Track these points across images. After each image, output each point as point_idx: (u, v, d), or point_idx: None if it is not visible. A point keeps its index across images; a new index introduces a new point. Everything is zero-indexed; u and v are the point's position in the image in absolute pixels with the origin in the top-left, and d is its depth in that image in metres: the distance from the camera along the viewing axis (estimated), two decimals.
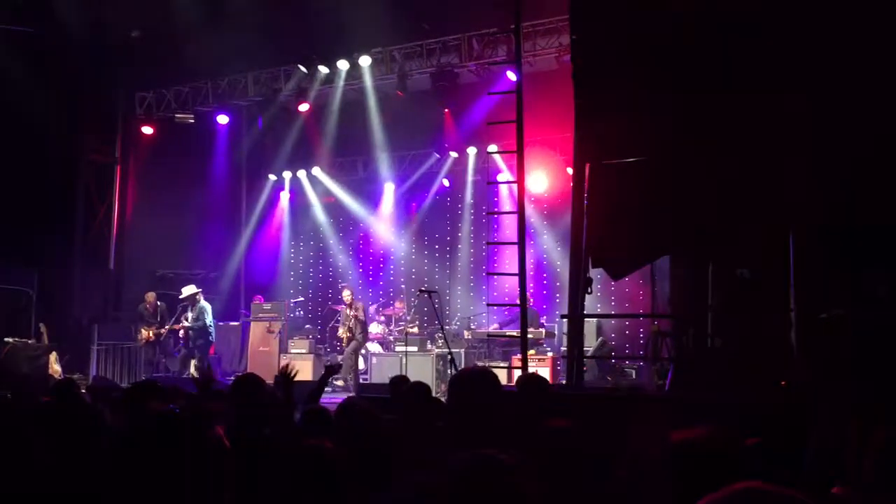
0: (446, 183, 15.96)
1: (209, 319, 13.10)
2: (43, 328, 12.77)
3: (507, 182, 12.95)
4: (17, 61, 12.14)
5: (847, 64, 5.81)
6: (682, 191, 6.62)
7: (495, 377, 3.37)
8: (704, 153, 6.48)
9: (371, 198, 17.09)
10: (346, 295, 13.68)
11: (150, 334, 13.12)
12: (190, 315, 12.94)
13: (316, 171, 16.41)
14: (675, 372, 7.61)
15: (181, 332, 13.00)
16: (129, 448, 3.64)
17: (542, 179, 14.24)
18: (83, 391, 6.60)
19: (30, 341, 12.68)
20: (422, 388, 4.48)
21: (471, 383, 3.15)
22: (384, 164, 16.34)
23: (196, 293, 13.07)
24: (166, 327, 12.90)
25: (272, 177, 16.73)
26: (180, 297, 13.17)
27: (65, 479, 3.41)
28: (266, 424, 4.02)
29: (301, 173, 16.54)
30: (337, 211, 17.31)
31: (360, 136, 15.49)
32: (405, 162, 16.43)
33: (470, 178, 15.70)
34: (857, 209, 5.98)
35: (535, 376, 4.61)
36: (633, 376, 12.78)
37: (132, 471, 3.34)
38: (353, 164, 16.98)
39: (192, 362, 12.84)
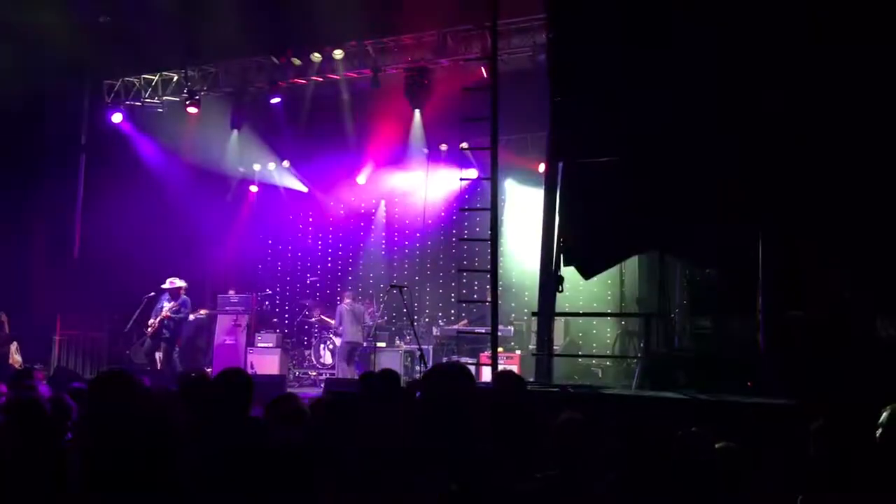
0: (421, 178, 15.88)
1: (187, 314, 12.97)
2: (3, 317, 12.52)
3: (483, 177, 12.93)
4: None
5: (827, 63, 5.89)
6: (654, 191, 6.69)
7: (470, 373, 3.38)
8: (677, 154, 6.54)
9: (343, 192, 17.01)
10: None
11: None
12: (167, 305, 12.65)
13: (286, 164, 16.28)
14: (642, 372, 7.69)
15: (152, 324, 12.69)
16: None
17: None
18: (44, 382, 6.47)
19: None
20: (392, 375, 4.48)
21: (447, 377, 3.15)
22: (356, 158, 16.27)
23: (182, 286, 12.82)
24: (154, 320, 12.61)
25: (242, 168, 16.56)
26: (164, 287, 12.87)
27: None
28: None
29: (271, 166, 16.40)
30: (307, 205, 17.21)
31: (332, 130, 15.39)
32: (377, 157, 16.37)
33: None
34: (825, 212, 6.08)
35: (512, 373, 4.61)
36: (600, 375, 12.88)
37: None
38: (325, 157, 16.87)
39: (157, 354, 12.66)
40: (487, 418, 3.82)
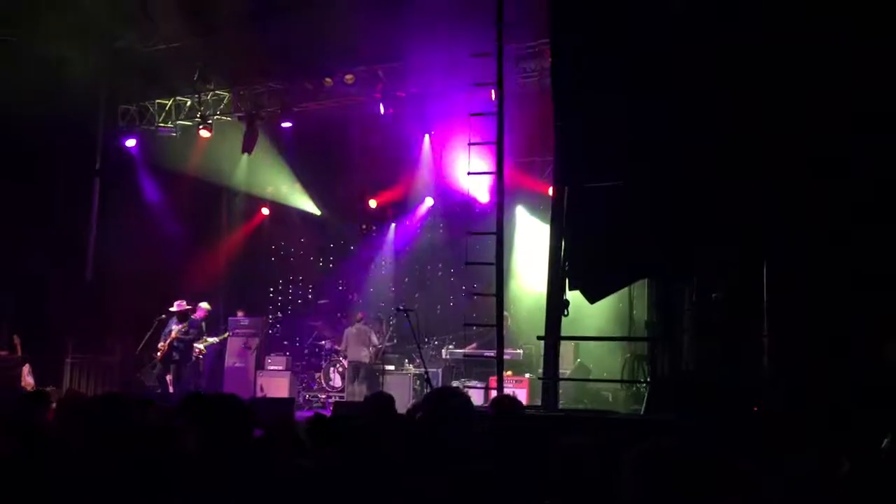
0: (429, 202, 15.96)
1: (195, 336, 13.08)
2: (16, 339, 12.62)
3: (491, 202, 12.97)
4: None
5: (840, 80, 5.88)
6: (659, 215, 6.69)
7: (467, 397, 3.39)
8: (681, 177, 6.55)
9: (354, 215, 17.11)
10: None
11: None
12: (175, 328, 12.73)
13: (296, 187, 16.39)
14: (650, 396, 7.65)
15: (161, 347, 12.77)
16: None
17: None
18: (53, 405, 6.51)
19: (2, 352, 12.53)
20: (384, 398, 4.49)
21: (444, 401, 3.17)
22: (366, 183, 16.39)
23: (190, 309, 12.93)
24: (165, 342, 12.69)
25: (253, 191, 16.66)
26: (172, 309, 12.96)
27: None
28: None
29: (283, 189, 16.50)
30: (318, 227, 17.30)
31: (343, 153, 15.51)
32: (386, 181, 16.47)
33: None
34: (832, 235, 6.05)
35: (509, 398, 4.63)
36: (609, 399, 12.81)
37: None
38: (333, 182, 16.99)
39: (168, 377, 12.72)
40: (485, 441, 3.83)
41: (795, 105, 6.12)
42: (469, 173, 8.67)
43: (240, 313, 14.78)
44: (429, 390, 10.28)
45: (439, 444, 3.03)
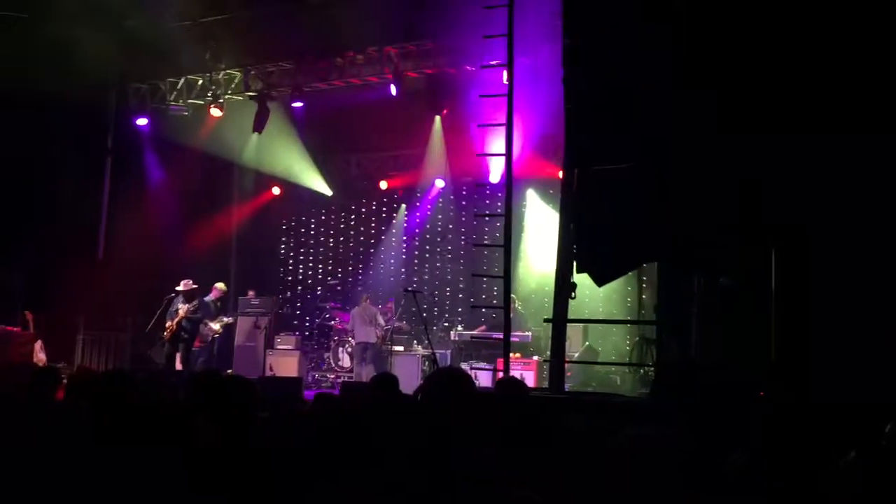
0: (440, 184, 15.96)
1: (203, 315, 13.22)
2: (28, 316, 12.72)
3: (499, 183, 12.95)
4: (6, 47, 12.06)
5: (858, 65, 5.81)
6: (668, 198, 6.66)
7: (469, 378, 3.39)
8: (692, 161, 6.51)
9: (362, 197, 17.14)
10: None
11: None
12: (182, 307, 12.81)
13: (307, 167, 16.40)
14: (658, 378, 7.66)
15: (169, 326, 12.85)
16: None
17: None
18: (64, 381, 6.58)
19: (14, 328, 12.64)
20: (389, 379, 4.52)
21: (443, 383, 3.17)
22: (376, 164, 16.41)
23: (196, 287, 13.01)
24: (173, 321, 12.75)
25: (263, 171, 16.66)
26: (178, 288, 13.05)
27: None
28: None
29: (293, 169, 16.50)
30: (328, 208, 17.33)
31: (353, 134, 15.51)
32: (398, 162, 16.49)
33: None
34: (842, 221, 6.01)
35: (514, 380, 4.63)
36: (617, 382, 12.83)
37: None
38: (345, 161, 17.00)
39: (176, 356, 12.81)
40: (488, 423, 3.84)
41: (811, 95, 6.05)
42: (478, 154, 8.68)
43: (250, 293, 14.84)
44: None
45: (438, 425, 3.04)
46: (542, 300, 14.20)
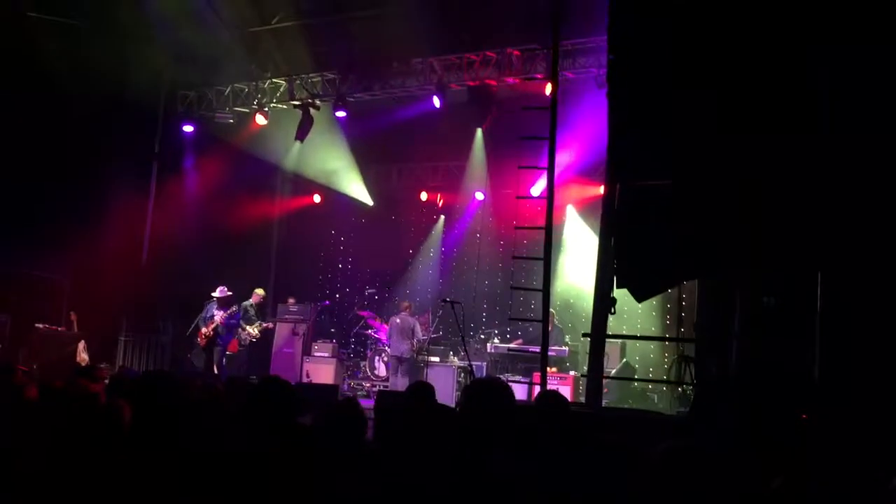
0: (480, 196, 15.99)
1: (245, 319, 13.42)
2: (73, 316, 12.98)
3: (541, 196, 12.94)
4: (58, 53, 12.36)
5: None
6: (711, 215, 6.59)
7: (509, 389, 3.39)
8: (734, 179, 6.44)
9: (402, 207, 17.22)
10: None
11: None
12: (218, 314, 13.01)
13: (349, 176, 16.53)
14: (697, 397, 7.55)
15: (206, 333, 13.04)
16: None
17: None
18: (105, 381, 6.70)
19: (59, 328, 12.90)
20: (426, 388, 4.52)
21: (483, 392, 3.17)
22: (417, 174, 16.49)
23: (230, 294, 13.26)
24: (209, 327, 12.95)
25: (304, 179, 16.81)
26: (215, 295, 13.26)
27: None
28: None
29: (334, 177, 16.63)
30: (368, 217, 17.44)
31: (395, 145, 15.61)
32: (438, 173, 16.55)
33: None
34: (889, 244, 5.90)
35: (554, 393, 4.60)
36: (655, 400, 12.69)
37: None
38: (387, 172, 17.11)
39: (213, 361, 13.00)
40: (528, 435, 3.83)
41: (860, 106, 5.96)
42: (520, 167, 8.66)
43: (290, 300, 14.98)
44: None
45: (478, 436, 3.04)
46: (580, 315, 14.12)
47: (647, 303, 11.41)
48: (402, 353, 13.34)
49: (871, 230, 5.69)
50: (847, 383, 5.77)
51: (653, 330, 13.99)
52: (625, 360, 13.15)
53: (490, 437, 3.03)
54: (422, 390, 4.44)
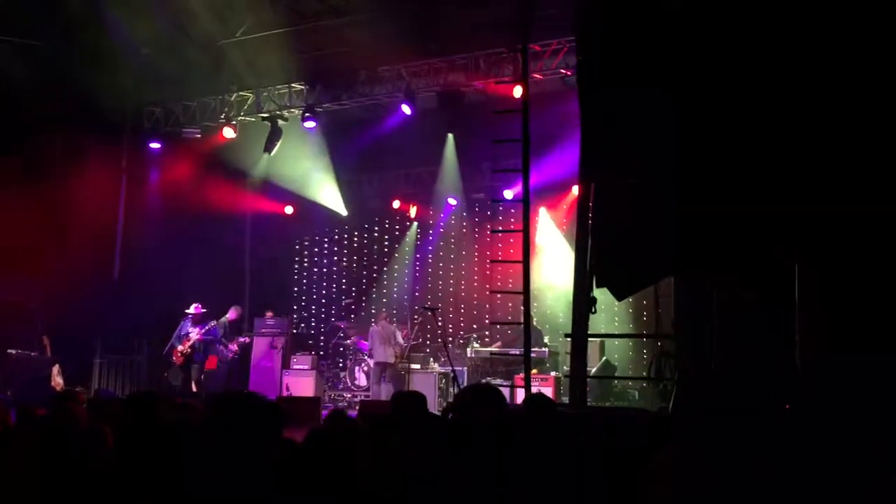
0: (453, 202, 16.01)
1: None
2: (46, 340, 12.76)
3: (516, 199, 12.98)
4: (23, 72, 12.18)
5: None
6: (688, 212, 6.62)
7: (500, 393, 3.38)
8: (710, 175, 6.48)
9: (375, 215, 17.18)
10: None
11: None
12: (193, 331, 12.97)
13: (320, 186, 16.45)
14: (678, 394, 7.59)
15: (183, 351, 12.98)
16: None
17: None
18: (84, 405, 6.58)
19: (32, 353, 12.68)
20: (419, 398, 4.48)
21: (477, 399, 3.16)
22: (389, 183, 16.46)
23: (204, 311, 13.19)
24: (185, 345, 12.88)
25: (276, 190, 16.70)
26: (189, 312, 13.18)
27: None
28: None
29: (305, 189, 16.54)
30: (342, 227, 17.37)
31: (366, 153, 15.56)
32: (411, 179, 16.53)
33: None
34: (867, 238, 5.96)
35: (542, 396, 4.60)
36: (636, 397, 12.76)
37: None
38: (358, 181, 17.05)
39: (191, 378, 12.89)
40: (517, 439, 3.82)
41: (826, 106, 6.01)
42: (494, 170, 8.70)
43: (268, 314, 14.87)
44: (455, 389, 10.31)
45: (475, 444, 3.02)
46: (557, 316, 14.18)
47: (623, 300, 11.49)
48: (386, 357, 13.31)
49: (848, 219, 5.75)
50: (828, 375, 5.82)
51: (630, 327, 14.08)
52: (604, 358, 13.21)
53: (488, 443, 3.01)
54: (412, 401, 4.39)
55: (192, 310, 13.09)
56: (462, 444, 3.17)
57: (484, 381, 12.37)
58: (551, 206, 15.18)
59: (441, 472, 3.16)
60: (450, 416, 3.40)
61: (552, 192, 14.48)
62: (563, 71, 11.92)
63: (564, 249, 14.52)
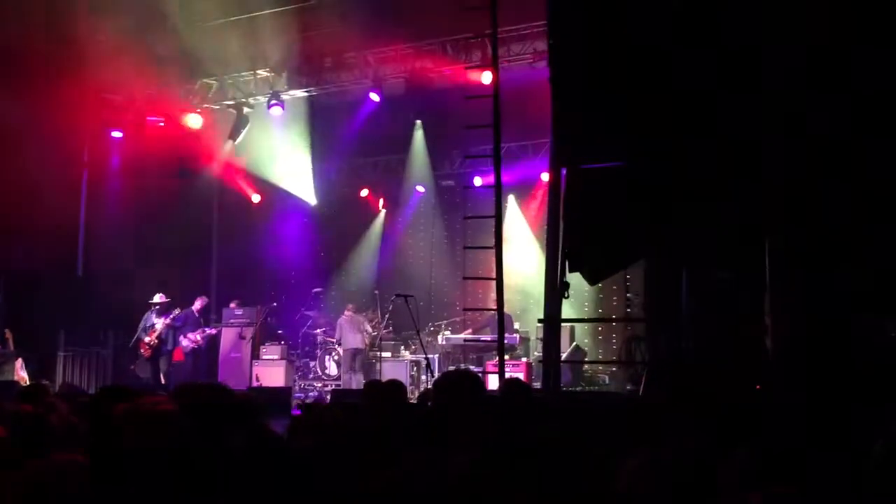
0: (421, 189, 15.96)
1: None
2: (8, 334, 12.51)
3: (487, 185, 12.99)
4: None
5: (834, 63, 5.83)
6: (658, 195, 6.65)
7: (479, 379, 3.35)
8: (681, 157, 6.51)
9: (343, 204, 17.06)
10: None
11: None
12: (158, 321, 12.84)
13: (288, 175, 16.27)
14: (649, 376, 7.64)
15: (150, 342, 12.83)
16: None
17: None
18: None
19: None
20: (397, 385, 4.45)
21: (456, 385, 3.12)
22: (356, 170, 16.36)
23: (167, 300, 13.05)
24: (151, 336, 12.75)
25: (243, 180, 16.51)
26: (154, 302, 13.05)
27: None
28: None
29: (272, 177, 16.35)
30: (311, 216, 17.22)
31: (333, 141, 15.42)
32: (379, 167, 16.44)
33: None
34: (835, 212, 6.02)
35: (519, 381, 4.59)
36: (606, 381, 12.87)
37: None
38: (327, 169, 16.90)
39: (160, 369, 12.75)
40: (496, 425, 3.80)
41: (797, 100, 6.05)
42: (466, 157, 8.64)
43: (233, 304, 14.71)
44: (429, 376, 10.29)
45: (454, 431, 2.99)
46: (528, 302, 14.20)
47: (592, 286, 11.56)
48: (356, 344, 13.27)
49: (819, 195, 5.81)
50: (800, 352, 5.89)
51: (600, 312, 14.16)
52: (574, 343, 13.28)
53: (467, 430, 2.98)
54: (390, 390, 4.33)
55: (156, 299, 12.95)
56: (440, 430, 3.14)
57: (455, 367, 12.39)
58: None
59: (419, 459, 3.12)
60: (428, 403, 3.37)
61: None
62: (530, 56, 11.90)
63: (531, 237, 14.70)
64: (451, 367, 12.58)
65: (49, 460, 2.62)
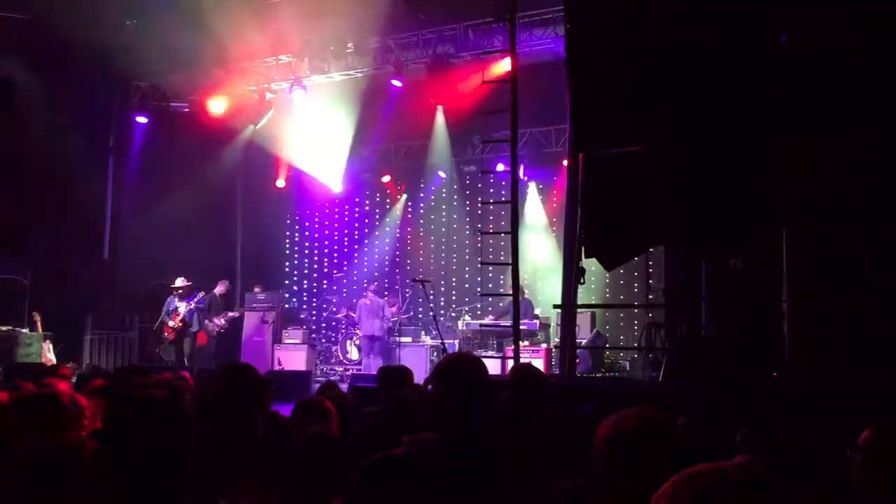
0: (442, 175, 15.95)
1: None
2: (37, 317, 12.73)
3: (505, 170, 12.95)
4: (5, 49, 12.03)
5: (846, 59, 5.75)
6: (677, 182, 6.61)
7: (482, 364, 3.35)
8: (700, 144, 6.46)
9: (365, 189, 17.11)
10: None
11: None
12: (182, 305, 12.96)
13: (311, 160, 16.33)
14: (668, 363, 7.62)
15: (175, 326, 12.97)
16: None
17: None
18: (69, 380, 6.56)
19: (23, 330, 12.65)
20: (401, 371, 4.48)
21: (456, 369, 3.12)
22: (378, 156, 16.38)
23: (190, 284, 13.16)
24: (175, 319, 12.88)
25: (268, 164, 16.59)
26: (176, 286, 13.18)
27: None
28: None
29: (296, 162, 16.43)
30: (334, 201, 17.28)
31: (357, 127, 15.44)
32: (400, 153, 16.45)
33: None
34: (851, 204, 5.96)
35: (529, 366, 4.58)
36: (627, 368, 12.81)
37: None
38: (350, 154, 16.92)
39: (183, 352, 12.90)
40: (504, 411, 3.81)
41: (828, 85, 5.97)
42: (483, 141, 8.63)
43: (256, 289, 14.83)
44: None
45: (450, 416, 2.99)
46: (548, 288, 14.16)
47: (613, 271, 11.50)
48: (374, 331, 13.31)
49: (837, 184, 5.74)
50: (816, 339, 5.85)
51: (621, 298, 14.10)
52: (595, 329, 13.24)
53: (467, 416, 2.98)
54: (392, 377, 4.37)
55: (178, 283, 13.06)
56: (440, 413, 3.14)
57: (475, 353, 12.39)
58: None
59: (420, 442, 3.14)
60: (429, 387, 3.38)
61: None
62: (550, 41, 11.82)
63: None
64: (473, 353, 12.57)
65: (50, 440, 2.68)
